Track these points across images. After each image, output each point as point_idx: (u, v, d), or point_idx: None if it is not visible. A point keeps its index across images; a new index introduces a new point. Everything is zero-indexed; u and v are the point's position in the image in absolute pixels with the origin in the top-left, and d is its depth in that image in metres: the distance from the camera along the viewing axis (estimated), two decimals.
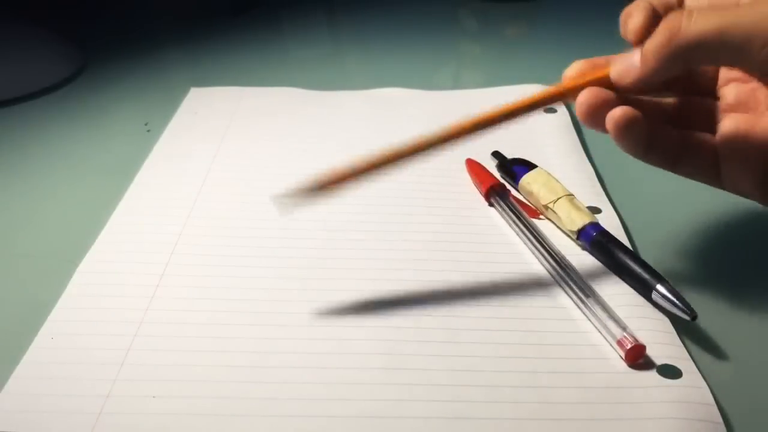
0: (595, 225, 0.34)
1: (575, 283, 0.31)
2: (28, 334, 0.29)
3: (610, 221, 0.36)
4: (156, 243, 0.35)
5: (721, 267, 0.34)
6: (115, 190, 0.39)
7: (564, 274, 0.32)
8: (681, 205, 0.38)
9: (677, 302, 0.29)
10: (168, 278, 0.33)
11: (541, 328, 0.30)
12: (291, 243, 0.35)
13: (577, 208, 0.35)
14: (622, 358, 0.28)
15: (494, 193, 0.38)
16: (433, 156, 0.31)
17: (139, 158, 0.42)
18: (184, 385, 0.27)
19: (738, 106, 0.29)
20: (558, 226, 0.36)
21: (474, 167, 0.40)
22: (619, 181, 0.40)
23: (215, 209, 0.38)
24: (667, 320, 0.30)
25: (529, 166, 0.39)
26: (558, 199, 0.36)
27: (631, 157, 0.31)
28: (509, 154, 0.41)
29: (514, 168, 0.39)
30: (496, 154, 0.41)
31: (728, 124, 0.29)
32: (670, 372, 0.27)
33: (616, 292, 0.31)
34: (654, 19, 0.29)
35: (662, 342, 0.29)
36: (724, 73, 0.30)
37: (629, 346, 0.28)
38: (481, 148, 0.42)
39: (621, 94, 0.29)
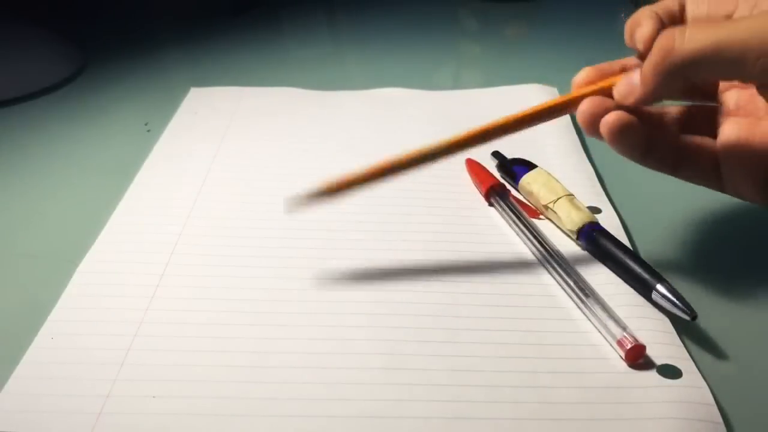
0: (595, 225, 0.34)
1: (575, 283, 0.31)
2: (28, 334, 0.29)
3: (610, 221, 0.36)
4: (156, 243, 0.35)
5: (721, 267, 0.34)
6: (115, 190, 0.39)
7: (564, 274, 0.32)
8: (681, 205, 0.38)
9: (677, 302, 0.29)
10: (168, 278, 0.33)
11: (541, 328, 0.30)
12: (291, 243, 0.35)
13: (577, 208, 0.35)
14: (622, 358, 0.28)
15: (494, 193, 0.38)
16: (439, 163, 0.31)
17: (139, 158, 0.42)
18: (184, 385, 0.27)
19: (738, 111, 0.29)
20: (558, 226, 0.36)
21: (474, 167, 0.40)
22: (619, 181, 0.40)
23: (215, 209, 0.38)
24: (667, 320, 0.30)
25: (529, 166, 0.39)
26: (558, 199, 0.36)
27: (628, 159, 0.31)
28: (509, 154, 0.41)
29: (514, 168, 0.39)
30: (496, 154, 0.41)
31: (728, 129, 0.29)
32: (670, 372, 0.27)
33: (616, 292, 0.31)
34: (660, 29, 0.29)
35: (662, 342, 0.29)
36: None
37: (629, 346, 0.28)
38: (481, 147, 0.42)
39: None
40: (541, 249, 0.33)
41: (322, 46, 0.65)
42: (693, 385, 0.27)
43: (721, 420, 0.25)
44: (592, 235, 0.34)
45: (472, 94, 0.51)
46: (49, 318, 0.30)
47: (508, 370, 0.28)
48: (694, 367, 0.28)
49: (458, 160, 0.41)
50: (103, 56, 0.59)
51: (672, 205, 0.38)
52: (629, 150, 0.29)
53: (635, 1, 0.68)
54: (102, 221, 0.36)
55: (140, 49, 0.61)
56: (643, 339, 0.28)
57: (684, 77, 0.26)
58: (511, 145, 0.42)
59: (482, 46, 0.65)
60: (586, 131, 0.30)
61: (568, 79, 0.32)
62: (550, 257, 0.33)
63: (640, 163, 0.30)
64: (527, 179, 0.38)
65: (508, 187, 0.39)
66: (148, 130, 0.47)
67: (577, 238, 0.34)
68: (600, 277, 0.32)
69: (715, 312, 0.31)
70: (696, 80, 0.26)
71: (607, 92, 0.30)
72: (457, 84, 0.57)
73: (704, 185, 0.31)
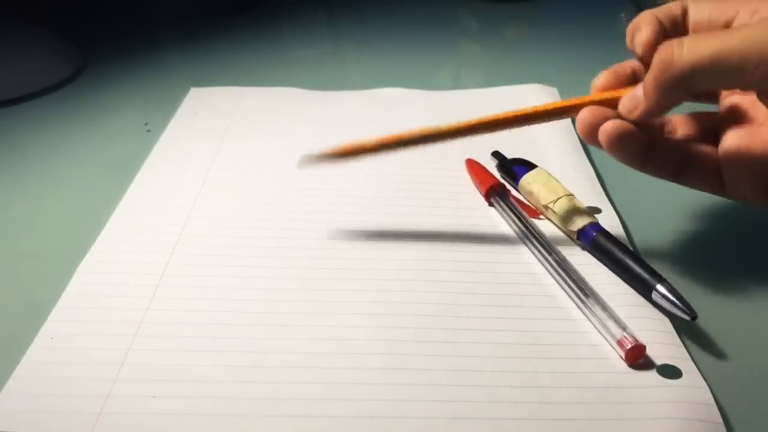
0: (595, 225, 0.34)
1: (575, 283, 0.31)
2: (28, 334, 0.29)
3: (610, 221, 0.36)
4: (156, 243, 0.35)
5: (722, 267, 0.34)
6: (115, 190, 0.39)
7: (564, 274, 0.32)
8: (681, 205, 0.38)
9: (677, 302, 0.29)
10: (168, 278, 0.33)
11: (540, 328, 0.30)
12: (291, 243, 0.35)
13: (577, 208, 0.35)
14: (622, 358, 0.28)
15: (494, 193, 0.38)
16: (444, 144, 0.33)
17: (139, 158, 0.42)
18: (184, 385, 0.27)
19: (739, 117, 0.30)
20: (558, 226, 0.36)
21: (474, 167, 0.40)
22: (619, 181, 0.40)
23: (215, 209, 0.38)
24: (667, 320, 0.30)
25: (529, 166, 0.39)
26: (558, 199, 0.36)
27: (628, 166, 0.31)
28: (509, 154, 0.41)
29: (514, 168, 0.39)
30: (496, 154, 0.41)
31: (730, 135, 0.29)
32: (670, 372, 0.27)
33: (616, 292, 0.31)
34: (659, 33, 0.29)
35: (662, 342, 0.29)
36: None
37: (629, 346, 0.28)
38: (481, 148, 0.42)
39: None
40: (541, 249, 0.33)
41: (322, 46, 0.65)
42: (693, 385, 0.27)
43: (721, 420, 0.25)
44: (592, 235, 0.34)
45: (472, 94, 0.51)
46: (49, 318, 0.30)
47: (508, 370, 0.28)
48: (694, 367, 0.28)
49: (458, 160, 0.42)
50: (103, 56, 0.59)
51: (672, 205, 0.38)
52: (628, 158, 0.30)
53: (636, 1, 0.68)
54: (102, 221, 0.36)
55: (140, 49, 0.61)
56: (643, 339, 0.28)
57: (685, 89, 0.26)
58: (511, 145, 0.42)
59: (482, 46, 0.65)
60: (586, 139, 0.30)
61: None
62: (550, 257, 0.33)
63: (640, 170, 0.30)
64: (527, 179, 0.38)
65: (508, 187, 0.39)
66: (148, 130, 0.47)
67: (577, 238, 0.34)
68: (600, 277, 0.32)
69: (715, 312, 0.31)
70: (697, 91, 0.27)
71: (611, 104, 0.30)
72: (457, 84, 0.57)
73: (706, 191, 0.31)
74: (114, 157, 0.44)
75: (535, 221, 0.36)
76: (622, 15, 0.69)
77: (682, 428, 0.25)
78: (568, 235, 0.35)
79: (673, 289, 0.29)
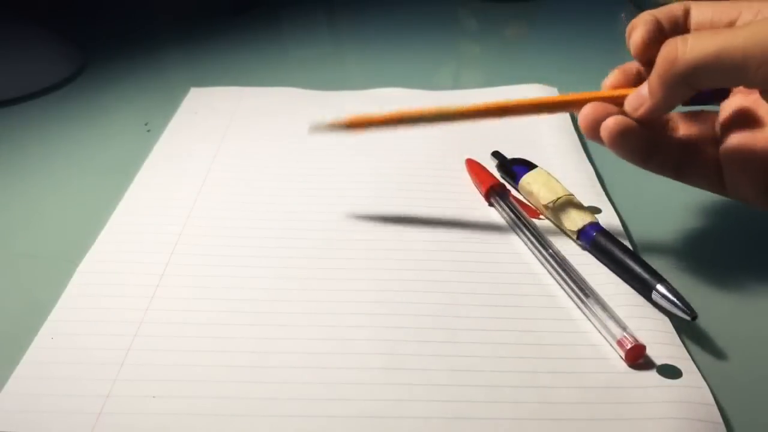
0: (595, 225, 0.34)
1: (575, 283, 0.31)
2: (28, 334, 0.29)
3: (610, 221, 0.36)
4: (156, 243, 0.35)
5: (722, 267, 0.34)
6: (115, 190, 0.39)
7: (564, 274, 0.32)
8: (681, 205, 0.38)
9: (677, 302, 0.29)
10: (168, 278, 0.33)
11: (540, 328, 0.30)
12: (291, 243, 0.35)
13: (577, 208, 0.35)
14: (622, 358, 0.28)
15: (494, 193, 0.38)
16: (454, 125, 0.34)
17: (139, 158, 0.42)
18: (184, 385, 0.27)
19: (741, 116, 0.30)
20: (558, 226, 0.36)
21: (474, 167, 0.40)
22: (619, 181, 0.40)
23: (215, 209, 0.38)
24: (667, 320, 0.30)
25: (529, 166, 0.39)
26: (558, 199, 0.36)
27: (629, 162, 0.31)
28: (509, 154, 0.41)
29: (514, 168, 0.39)
30: (496, 154, 0.41)
31: (731, 133, 0.29)
32: (670, 372, 0.27)
33: (616, 292, 0.31)
34: (655, 33, 0.29)
35: (662, 342, 0.29)
36: None
37: (629, 346, 0.28)
38: (481, 148, 0.42)
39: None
40: (541, 249, 0.33)
41: (322, 46, 0.65)
42: (693, 385, 0.27)
43: (721, 420, 0.25)
44: (592, 235, 0.34)
45: (472, 94, 0.51)
46: (49, 318, 0.30)
47: (508, 370, 0.28)
48: (694, 367, 0.28)
49: (458, 160, 0.42)
50: (103, 56, 0.59)
51: (672, 205, 0.38)
52: (629, 154, 0.30)
53: (636, 1, 0.68)
54: (102, 221, 0.36)
55: (140, 49, 0.61)
56: (643, 339, 0.28)
57: (689, 86, 0.27)
58: (511, 145, 0.42)
59: (482, 46, 0.65)
60: (588, 135, 0.30)
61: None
62: (550, 257, 0.33)
63: (642, 167, 0.30)
64: (527, 179, 0.38)
65: (508, 187, 0.39)
66: (148, 130, 0.47)
67: (577, 238, 0.34)
68: (600, 277, 0.32)
69: (715, 312, 0.31)
70: (701, 88, 0.27)
71: (616, 101, 0.30)
72: (457, 84, 0.57)
73: (706, 189, 0.31)
74: (114, 157, 0.44)
75: (535, 221, 0.36)
76: (622, 15, 0.69)
77: (682, 428, 0.25)
78: (568, 235, 0.35)
79: (673, 289, 0.29)
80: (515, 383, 0.27)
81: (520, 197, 0.39)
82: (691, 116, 0.32)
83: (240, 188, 0.40)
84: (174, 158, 0.43)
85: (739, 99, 0.30)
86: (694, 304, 0.29)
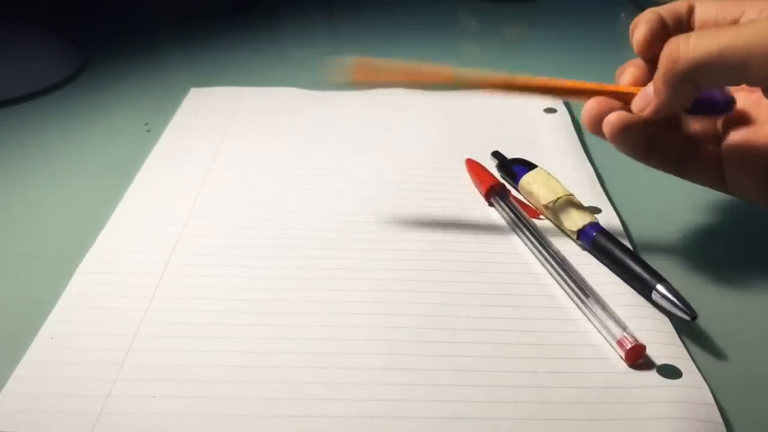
0: (595, 225, 0.34)
1: (575, 283, 0.31)
2: (28, 334, 0.29)
3: (610, 221, 0.36)
4: (156, 243, 0.35)
5: (722, 267, 0.34)
6: (115, 190, 0.39)
7: (564, 274, 0.32)
8: (681, 205, 0.38)
9: (677, 302, 0.29)
10: (168, 278, 0.33)
11: (540, 328, 0.30)
12: (291, 243, 0.35)
13: (577, 208, 0.35)
14: (622, 358, 0.28)
15: (494, 193, 0.38)
16: (468, 93, 0.34)
17: (139, 158, 0.42)
18: (184, 385, 0.27)
19: (743, 113, 0.30)
20: (558, 226, 0.36)
21: (474, 167, 0.40)
22: (619, 181, 0.40)
23: (215, 209, 0.38)
24: (667, 320, 0.30)
25: (529, 166, 0.39)
26: (558, 199, 0.36)
27: (631, 158, 0.31)
28: (509, 154, 0.41)
29: (514, 168, 0.39)
30: (496, 154, 0.41)
31: (733, 130, 0.29)
32: (670, 372, 0.27)
33: (616, 292, 0.31)
34: (659, 30, 0.29)
35: (662, 342, 0.29)
36: None
37: (629, 346, 0.28)
38: (481, 148, 0.42)
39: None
40: (541, 249, 0.33)
41: (322, 46, 0.65)
42: (693, 385, 0.27)
43: (721, 420, 0.25)
44: (592, 235, 0.34)
45: (472, 94, 0.51)
46: (49, 318, 0.30)
47: (508, 370, 0.28)
48: (694, 367, 0.28)
49: (458, 160, 0.42)
50: (103, 56, 0.59)
51: (672, 205, 0.38)
52: (631, 149, 0.30)
53: (636, 1, 0.68)
54: (102, 221, 0.36)
55: (140, 49, 0.61)
56: (643, 339, 0.28)
57: (692, 84, 0.27)
58: (511, 145, 0.42)
59: (482, 46, 0.65)
60: (590, 129, 0.30)
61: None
62: (550, 257, 0.33)
63: (644, 163, 0.30)
64: (527, 179, 0.38)
65: (508, 187, 0.39)
66: (148, 130, 0.47)
67: (577, 238, 0.34)
68: (600, 277, 0.32)
69: (715, 312, 0.31)
70: (704, 86, 0.27)
71: (623, 98, 0.30)
72: None
73: (707, 185, 0.31)
74: (114, 157, 0.44)
75: (535, 221, 0.36)
76: (622, 15, 0.69)
77: (682, 428, 0.25)
78: (568, 235, 0.35)
79: (673, 289, 0.29)
80: (515, 383, 0.27)
81: (520, 197, 0.39)
82: None
83: (240, 188, 0.40)
84: (174, 158, 0.43)
85: (741, 97, 0.30)
86: (694, 304, 0.29)
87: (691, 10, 0.30)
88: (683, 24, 0.30)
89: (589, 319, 0.30)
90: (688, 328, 0.30)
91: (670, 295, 0.29)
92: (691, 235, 0.36)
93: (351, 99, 0.50)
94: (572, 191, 0.36)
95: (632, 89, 0.30)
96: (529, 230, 0.35)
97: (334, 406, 0.26)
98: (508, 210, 0.36)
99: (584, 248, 0.34)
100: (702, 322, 0.30)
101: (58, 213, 0.39)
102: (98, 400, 0.26)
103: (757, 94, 0.29)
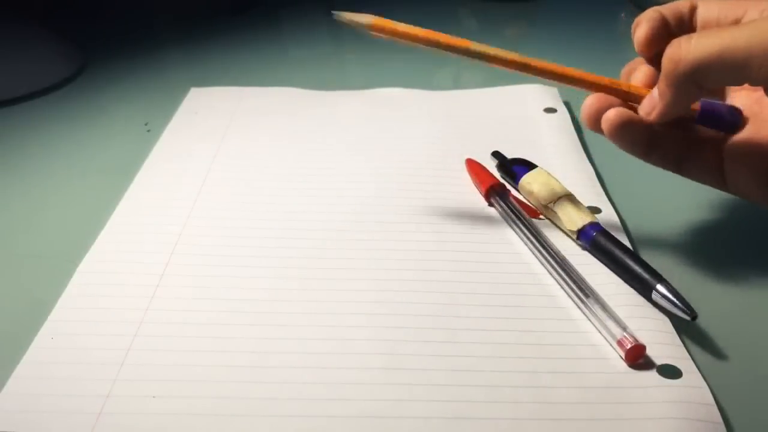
0: (595, 225, 0.34)
1: (575, 283, 0.31)
2: (28, 334, 0.29)
3: (610, 221, 0.36)
4: (156, 243, 0.35)
5: (722, 267, 0.34)
6: (115, 190, 0.39)
7: (564, 274, 0.32)
8: (681, 205, 0.38)
9: (677, 302, 0.29)
10: (168, 278, 0.33)
11: (540, 328, 0.30)
12: (291, 243, 0.35)
13: (577, 208, 0.35)
14: (622, 358, 0.28)
15: (494, 193, 0.38)
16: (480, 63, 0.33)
17: (139, 158, 0.42)
18: (184, 385, 0.27)
19: (745, 111, 0.30)
20: (558, 226, 0.36)
21: (474, 167, 0.40)
22: (619, 181, 0.40)
23: (215, 209, 0.38)
24: (667, 320, 0.30)
25: (529, 166, 0.39)
26: (558, 199, 0.36)
27: (631, 157, 0.31)
28: (509, 154, 0.41)
29: (514, 168, 0.39)
30: (496, 154, 0.41)
31: None
32: (670, 372, 0.27)
33: (616, 292, 0.31)
34: (660, 30, 0.29)
35: (662, 342, 0.29)
36: None
37: (629, 346, 0.28)
38: (481, 148, 0.42)
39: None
40: (541, 249, 0.33)
41: (322, 46, 0.65)
42: (693, 385, 0.27)
43: (721, 420, 0.25)
44: (591, 235, 0.34)
45: (472, 94, 0.51)
46: (49, 318, 0.30)
47: (508, 370, 0.28)
48: (694, 367, 0.28)
49: (458, 160, 0.42)
50: (103, 56, 0.59)
51: (672, 205, 0.38)
52: (630, 147, 0.30)
53: (636, 1, 0.68)
54: (102, 221, 0.36)
55: (140, 49, 0.61)
56: (643, 339, 0.28)
57: (695, 85, 0.27)
58: (511, 145, 0.42)
59: None
60: (589, 125, 0.30)
61: None
62: (550, 257, 0.33)
63: (644, 160, 0.30)
64: (527, 179, 0.38)
65: (508, 187, 0.39)
66: (148, 130, 0.47)
67: (577, 238, 0.34)
68: (600, 277, 0.32)
69: (715, 312, 0.31)
70: (707, 87, 0.27)
71: (629, 97, 0.30)
72: (457, 84, 0.57)
73: (707, 184, 0.31)
74: (114, 157, 0.44)
75: (535, 221, 0.36)
76: (622, 15, 0.69)
77: (682, 428, 0.25)
78: (568, 235, 0.35)
79: (673, 289, 0.29)
80: (515, 383, 0.27)
81: (520, 197, 0.39)
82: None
83: (240, 188, 0.40)
84: (174, 158, 0.43)
85: (742, 95, 0.30)
86: (694, 304, 0.29)
87: (693, 10, 0.30)
88: (685, 23, 0.30)
89: (589, 319, 0.30)
90: (688, 328, 0.30)
91: (670, 295, 0.29)
92: (691, 235, 0.36)
93: (351, 99, 0.50)
94: (572, 191, 0.36)
95: (643, 90, 0.30)
96: (529, 230, 0.35)
97: (334, 406, 0.26)
98: (508, 210, 0.36)
99: (584, 248, 0.34)
100: (702, 322, 0.30)
101: (58, 213, 0.39)
102: (98, 400, 0.26)
103: (759, 92, 0.29)
